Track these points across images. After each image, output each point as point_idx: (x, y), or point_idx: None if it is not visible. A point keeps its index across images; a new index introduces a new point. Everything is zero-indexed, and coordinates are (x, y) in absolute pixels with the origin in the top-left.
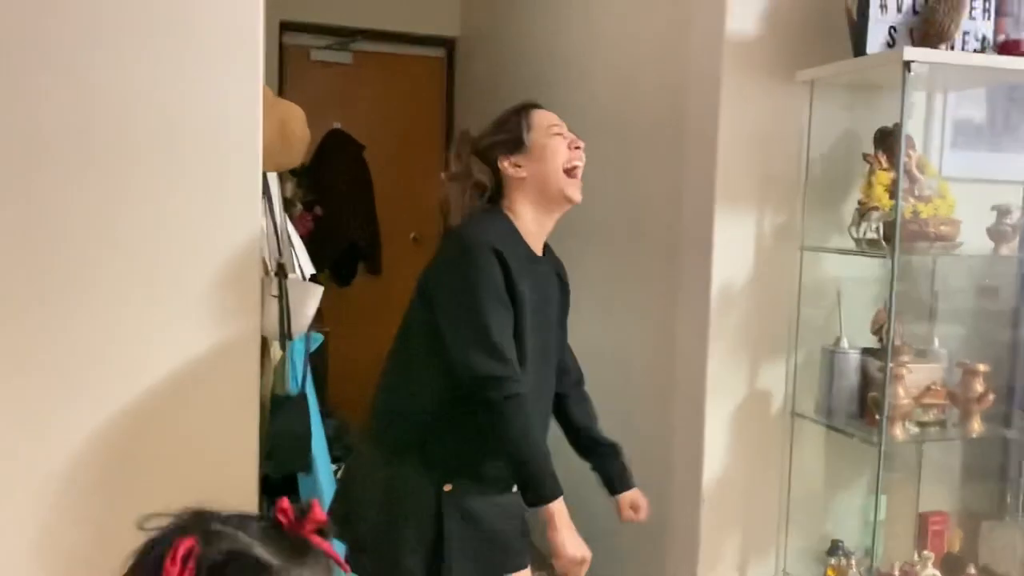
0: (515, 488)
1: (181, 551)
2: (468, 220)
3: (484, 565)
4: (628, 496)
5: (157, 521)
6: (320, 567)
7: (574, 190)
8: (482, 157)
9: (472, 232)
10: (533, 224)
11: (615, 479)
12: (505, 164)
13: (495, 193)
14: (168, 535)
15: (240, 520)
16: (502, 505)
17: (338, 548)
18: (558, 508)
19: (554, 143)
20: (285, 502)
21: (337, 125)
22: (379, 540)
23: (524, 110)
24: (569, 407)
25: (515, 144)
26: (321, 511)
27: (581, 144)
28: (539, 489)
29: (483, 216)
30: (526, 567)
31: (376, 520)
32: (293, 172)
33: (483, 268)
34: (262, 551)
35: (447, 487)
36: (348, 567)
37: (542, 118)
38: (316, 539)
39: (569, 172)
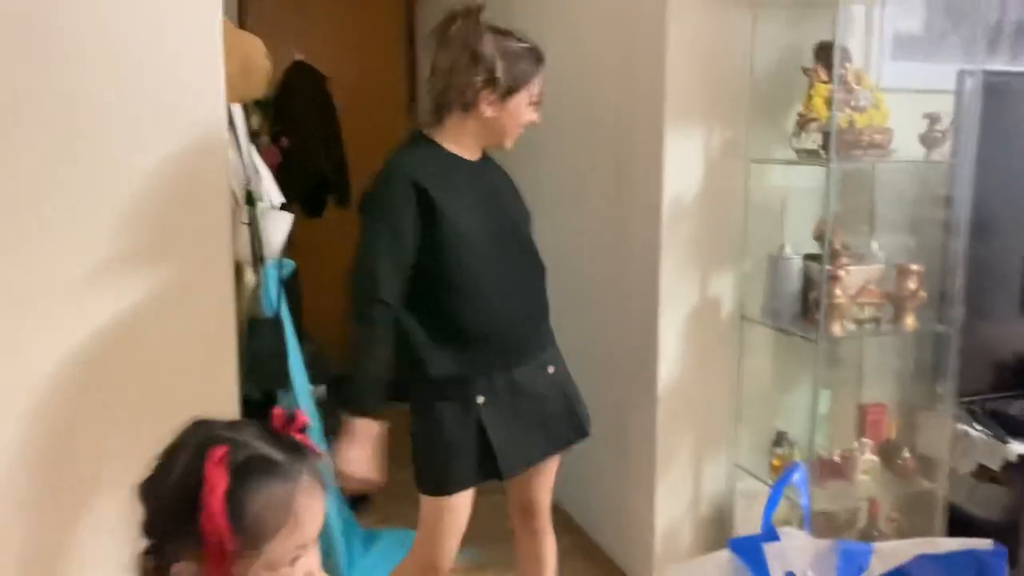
0: (545, 365)
1: (218, 456)
2: (395, 149)
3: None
4: None
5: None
6: (311, 461)
7: (512, 142)
8: (480, 61)
9: (391, 161)
10: (465, 148)
11: None
12: (483, 94)
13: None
14: (188, 442)
15: (239, 426)
16: (524, 387)
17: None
18: (363, 425)
19: (527, 110)
20: (278, 410)
21: (300, 57)
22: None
23: (538, 63)
24: None
25: (506, 89)
26: (304, 416)
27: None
28: (357, 397)
29: (408, 144)
30: (576, 441)
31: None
32: (258, 104)
33: (382, 195)
34: (269, 450)
35: (478, 399)
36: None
37: (536, 84)
38: (302, 437)
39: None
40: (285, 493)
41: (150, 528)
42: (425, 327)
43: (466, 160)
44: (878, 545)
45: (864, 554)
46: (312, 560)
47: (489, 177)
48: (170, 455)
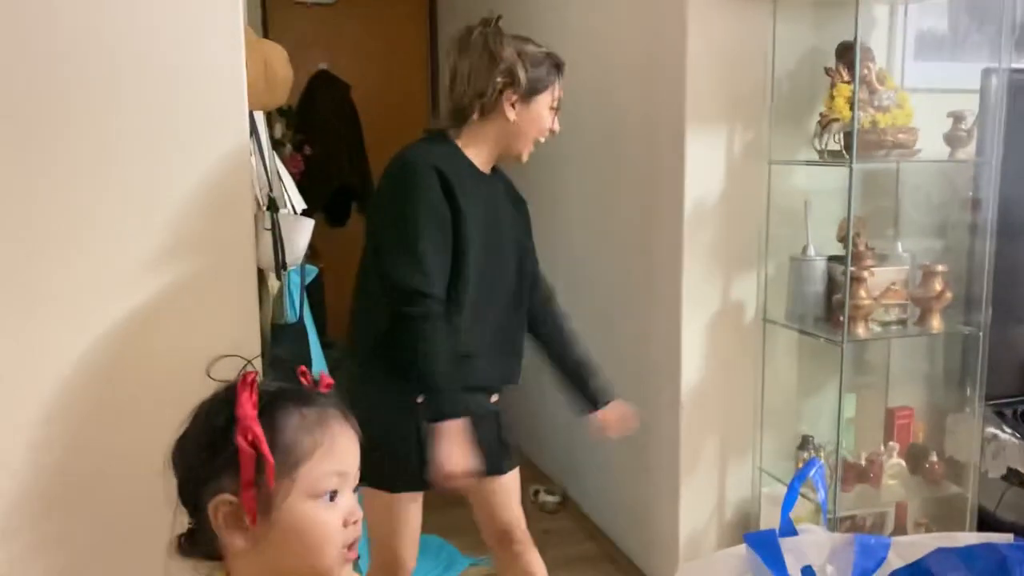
0: (492, 394)
1: (249, 378)
2: (411, 144)
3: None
4: (612, 410)
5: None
6: (341, 406)
7: (527, 154)
8: (501, 63)
9: (412, 152)
10: (481, 157)
11: (591, 397)
12: (507, 94)
13: (461, 112)
14: (215, 394)
15: (269, 380)
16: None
17: None
18: (449, 427)
19: (548, 115)
20: (304, 368)
21: (323, 66)
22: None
23: (557, 68)
24: (537, 326)
25: (528, 90)
26: (329, 378)
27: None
28: (439, 406)
29: (426, 140)
30: (508, 470)
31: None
32: (281, 113)
33: (419, 185)
34: (298, 387)
35: (418, 399)
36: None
37: (557, 89)
38: (328, 392)
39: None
40: (318, 415)
41: (183, 485)
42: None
43: (481, 172)
44: (896, 539)
45: (882, 547)
46: (352, 501)
47: (498, 196)
48: (197, 409)
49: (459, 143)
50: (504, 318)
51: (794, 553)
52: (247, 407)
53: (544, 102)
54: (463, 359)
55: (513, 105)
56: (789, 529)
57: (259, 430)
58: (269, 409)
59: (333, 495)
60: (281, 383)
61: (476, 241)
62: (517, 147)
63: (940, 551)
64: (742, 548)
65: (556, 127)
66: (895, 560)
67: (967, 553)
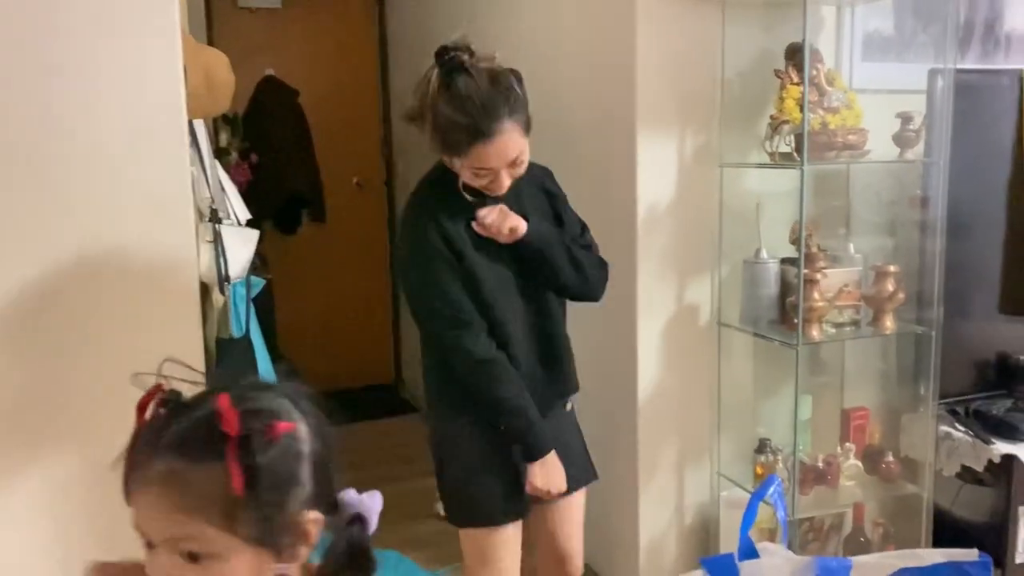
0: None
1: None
2: (419, 185)
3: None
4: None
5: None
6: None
7: (496, 191)
8: (427, 113)
9: (416, 205)
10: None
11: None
12: (433, 145)
13: None
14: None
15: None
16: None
17: None
18: (544, 461)
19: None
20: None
21: (270, 72)
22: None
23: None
24: None
25: (444, 150)
26: (229, 409)
27: (500, 187)
28: (527, 446)
29: (432, 175)
30: (586, 483)
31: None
32: (227, 120)
33: (424, 246)
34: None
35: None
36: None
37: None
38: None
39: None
40: (142, 461)
41: None
42: None
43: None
44: (858, 559)
45: (844, 570)
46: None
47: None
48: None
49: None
50: (530, 330)
51: None
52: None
53: (462, 164)
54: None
55: (448, 159)
56: (749, 550)
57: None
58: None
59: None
60: (177, 412)
61: (485, 276)
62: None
63: (903, 572)
64: (698, 574)
65: (497, 188)
66: None
67: (931, 572)
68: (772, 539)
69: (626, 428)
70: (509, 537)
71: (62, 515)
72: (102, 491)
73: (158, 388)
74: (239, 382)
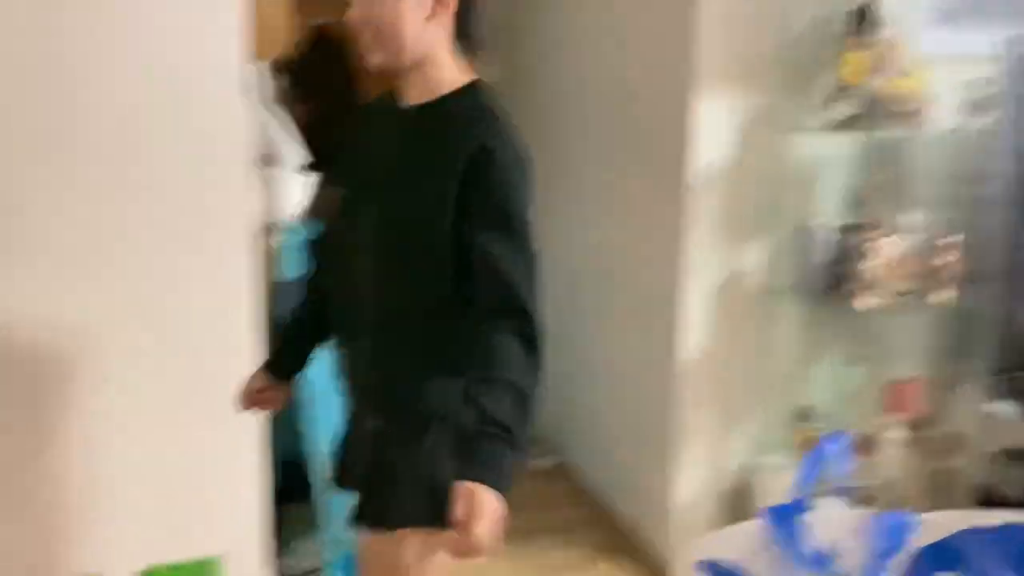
0: None
1: None
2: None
3: None
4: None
5: None
6: None
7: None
8: None
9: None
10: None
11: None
12: None
13: None
14: None
15: None
16: None
17: None
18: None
19: None
20: None
21: (322, 21)
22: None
23: None
24: None
25: None
26: None
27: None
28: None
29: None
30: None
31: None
32: (279, 67)
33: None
34: None
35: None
36: None
37: None
38: None
39: None
40: None
41: None
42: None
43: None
44: (925, 516)
45: (906, 526)
46: None
47: (385, 132)
48: None
49: None
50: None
51: (812, 529)
52: None
53: None
54: None
55: None
56: (806, 503)
57: None
58: None
59: None
60: None
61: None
62: None
63: (968, 531)
64: (756, 523)
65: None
66: (918, 539)
67: (998, 533)
68: None
69: (668, 390)
70: None
71: None
72: None
73: None
74: None
